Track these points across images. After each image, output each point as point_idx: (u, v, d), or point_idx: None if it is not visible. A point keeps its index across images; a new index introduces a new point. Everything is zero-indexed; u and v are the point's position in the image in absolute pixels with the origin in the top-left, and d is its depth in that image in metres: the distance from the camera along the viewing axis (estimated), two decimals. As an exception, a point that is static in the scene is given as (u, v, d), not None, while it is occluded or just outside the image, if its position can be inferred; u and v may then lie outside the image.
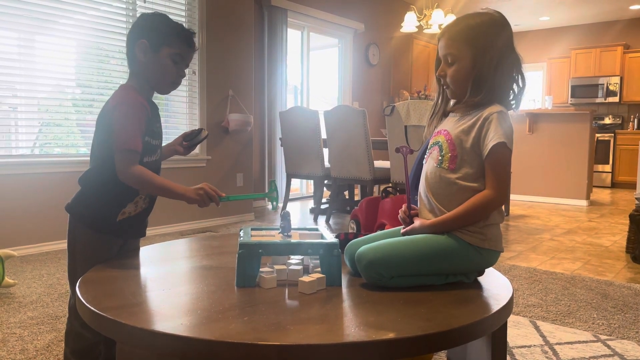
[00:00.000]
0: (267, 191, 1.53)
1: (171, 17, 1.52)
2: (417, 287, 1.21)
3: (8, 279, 2.52)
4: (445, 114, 1.42)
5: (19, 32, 3.38)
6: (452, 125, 1.33)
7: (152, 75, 1.48)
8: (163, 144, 1.64)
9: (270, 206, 1.63)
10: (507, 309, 1.13)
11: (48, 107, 3.53)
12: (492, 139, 1.23)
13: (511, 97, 1.33)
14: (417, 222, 1.31)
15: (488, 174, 1.25)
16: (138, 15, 3.93)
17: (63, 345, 1.88)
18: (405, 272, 1.20)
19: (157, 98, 4.20)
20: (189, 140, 1.68)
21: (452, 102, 1.40)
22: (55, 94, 3.57)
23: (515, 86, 1.33)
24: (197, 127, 1.69)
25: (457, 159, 1.28)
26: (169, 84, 1.52)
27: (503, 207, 1.33)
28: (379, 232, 1.39)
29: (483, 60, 1.27)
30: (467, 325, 0.99)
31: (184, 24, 1.54)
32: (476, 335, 1.02)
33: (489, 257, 1.27)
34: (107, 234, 1.47)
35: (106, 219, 1.45)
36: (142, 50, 1.46)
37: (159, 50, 1.46)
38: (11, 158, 3.30)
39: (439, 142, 1.33)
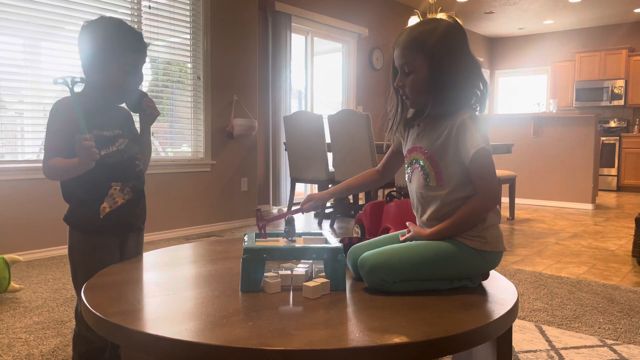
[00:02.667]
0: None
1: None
2: (421, 292, 1.21)
3: (14, 284, 2.53)
4: (407, 123, 1.38)
5: (25, 38, 3.40)
6: (425, 140, 1.31)
7: (107, 89, 1.49)
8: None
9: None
10: (512, 313, 1.13)
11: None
12: (470, 147, 1.22)
13: (473, 101, 1.31)
14: (414, 231, 1.31)
15: (475, 180, 1.25)
16: (143, 20, 3.96)
17: (68, 350, 1.89)
18: (408, 277, 1.20)
19: (162, 103, 4.24)
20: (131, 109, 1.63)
21: (411, 111, 1.38)
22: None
23: (477, 90, 1.31)
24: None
25: (443, 174, 1.28)
26: (127, 94, 1.53)
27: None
28: (381, 237, 1.39)
29: (441, 67, 1.25)
30: (472, 330, 0.98)
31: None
32: (481, 340, 1.02)
33: (491, 259, 1.27)
34: (99, 234, 1.50)
35: (91, 219, 1.49)
36: (92, 69, 1.47)
37: (110, 68, 1.46)
38: (17, 163, 3.33)
39: (419, 160, 1.32)
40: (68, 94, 1.46)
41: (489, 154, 1.24)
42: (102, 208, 1.48)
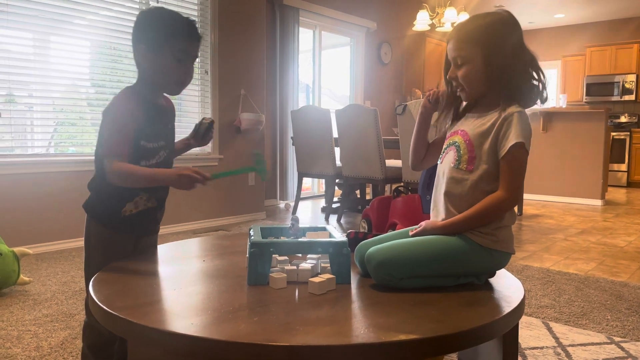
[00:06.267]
0: (254, 164, 1.45)
1: (183, 16, 1.49)
2: (427, 288, 1.20)
3: (23, 277, 2.55)
4: (457, 116, 1.40)
5: (34, 32, 3.42)
6: (470, 125, 1.31)
7: (157, 77, 1.46)
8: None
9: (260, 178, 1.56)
10: (519, 311, 1.12)
11: (63, 106, 3.57)
12: (510, 139, 1.22)
13: (533, 94, 1.31)
14: (427, 223, 1.30)
15: (503, 174, 1.24)
16: (151, 15, 3.96)
17: (77, 342, 1.91)
18: (415, 274, 1.20)
19: (171, 97, 4.24)
20: (196, 131, 1.66)
21: (463, 104, 1.39)
22: (70, 94, 3.61)
23: (535, 82, 1.31)
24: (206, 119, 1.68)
25: (476, 160, 1.27)
26: (176, 85, 1.49)
27: (515, 208, 1.32)
28: (389, 233, 1.38)
29: (496, 60, 1.26)
30: (478, 328, 0.98)
31: (196, 22, 1.52)
32: (487, 338, 1.01)
33: (500, 259, 1.26)
34: (115, 229, 1.50)
35: (110, 215, 1.48)
36: (141, 55, 1.44)
37: (159, 52, 1.42)
38: (27, 157, 3.35)
39: (456, 142, 1.32)
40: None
41: (526, 153, 1.24)
42: (123, 210, 1.48)
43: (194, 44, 1.47)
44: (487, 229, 1.24)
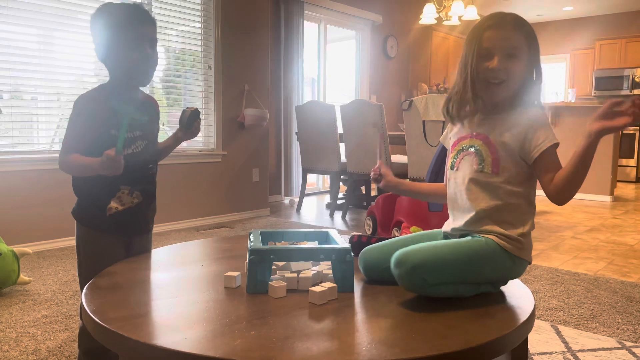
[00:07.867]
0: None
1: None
2: (432, 298, 1.14)
3: (23, 277, 2.53)
4: (465, 111, 1.31)
5: (38, 28, 3.38)
6: (489, 128, 1.26)
7: (121, 72, 1.45)
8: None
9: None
10: (529, 323, 1.07)
11: (68, 102, 3.53)
12: (546, 139, 1.19)
13: (538, 96, 1.29)
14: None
15: (552, 163, 1.20)
16: (154, 9, 3.92)
17: (75, 345, 1.87)
18: (447, 279, 1.13)
19: (175, 93, 4.20)
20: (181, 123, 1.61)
21: (466, 108, 1.32)
22: (75, 90, 3.57)
23: (541, 85, 1.28)
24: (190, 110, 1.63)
25: (500, 161, 1.22)
26: (141, 74, 1.48)
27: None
28: (393, 239, 1.33)
29: (534, 56, 1.25)
30: (485, 344, 0.93)
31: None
32: (495, 354, 0.96)
33: (520, 267, 1.23)
34: (103, 231, 1.47)
35: (97, 217, 1.47)
36: (101, 55, 1.45)
37: (114, 46, 1.42)
38: (30, 154, 3.32)
39: (475, 146, 1.26)
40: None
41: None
42: (109, 208, 1.46)
43: (147, 27, 1.45)
44: (514, 234, 1.20)
